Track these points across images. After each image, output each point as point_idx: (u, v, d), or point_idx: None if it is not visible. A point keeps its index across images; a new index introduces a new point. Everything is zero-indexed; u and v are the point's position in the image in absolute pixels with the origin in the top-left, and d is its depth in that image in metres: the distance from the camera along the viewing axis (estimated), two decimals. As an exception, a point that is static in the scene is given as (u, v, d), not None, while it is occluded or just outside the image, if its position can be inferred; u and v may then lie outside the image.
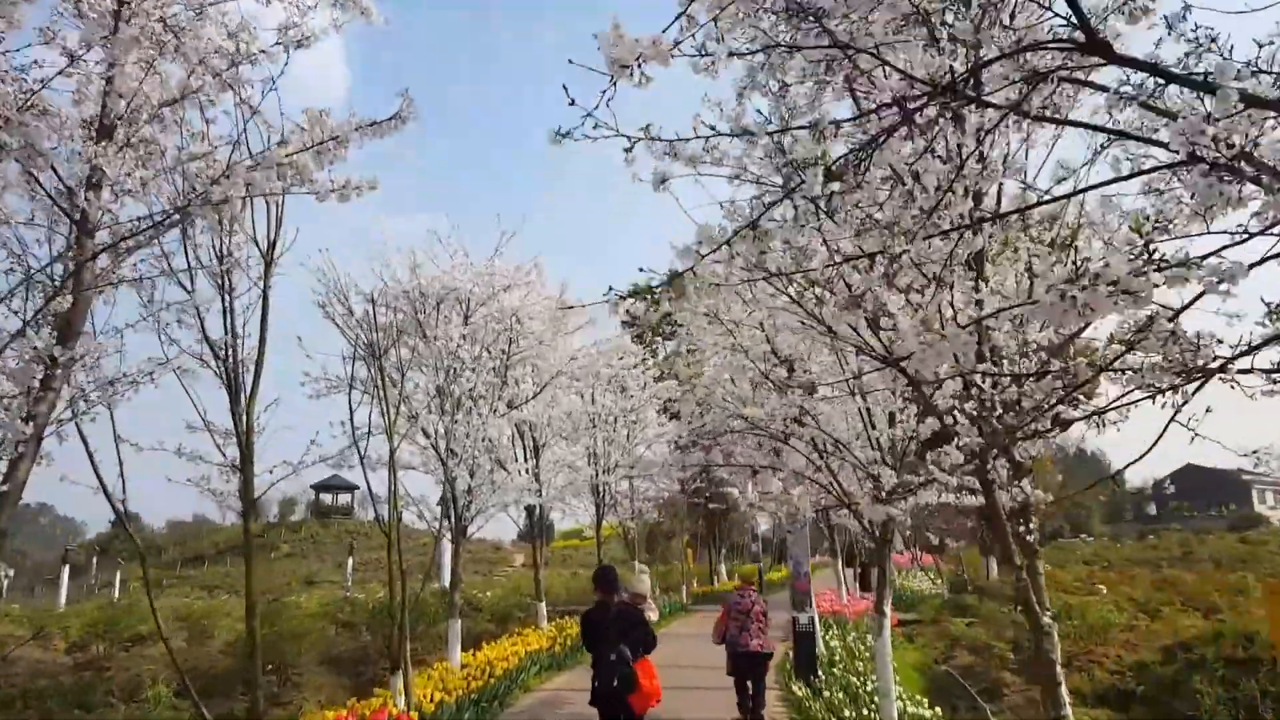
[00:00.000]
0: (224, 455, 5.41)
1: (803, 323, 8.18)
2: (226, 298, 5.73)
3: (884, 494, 8.06)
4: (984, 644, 12.55)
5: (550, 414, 13.91)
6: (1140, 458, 3.18)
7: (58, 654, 11.75)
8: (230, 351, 5.66)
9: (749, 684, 8.06)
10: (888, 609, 8.00)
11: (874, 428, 8.19)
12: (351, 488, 53.12)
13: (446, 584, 14.12)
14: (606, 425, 16.34)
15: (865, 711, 7.99)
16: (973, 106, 2.90)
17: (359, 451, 8.14)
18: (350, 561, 30.16)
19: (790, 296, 5.80)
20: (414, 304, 10.26)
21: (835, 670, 9.84)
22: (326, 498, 55.83)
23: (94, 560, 47.26)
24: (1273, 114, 2.01)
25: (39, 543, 70.25)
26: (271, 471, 5.65)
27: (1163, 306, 2.37)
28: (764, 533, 42.27)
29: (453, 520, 10.51)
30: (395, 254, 10.87)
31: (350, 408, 8.14)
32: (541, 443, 14.04)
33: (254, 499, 5.42)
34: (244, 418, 5.53)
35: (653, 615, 7.98)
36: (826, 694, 8.70)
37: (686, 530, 30.29)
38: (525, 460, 13.17)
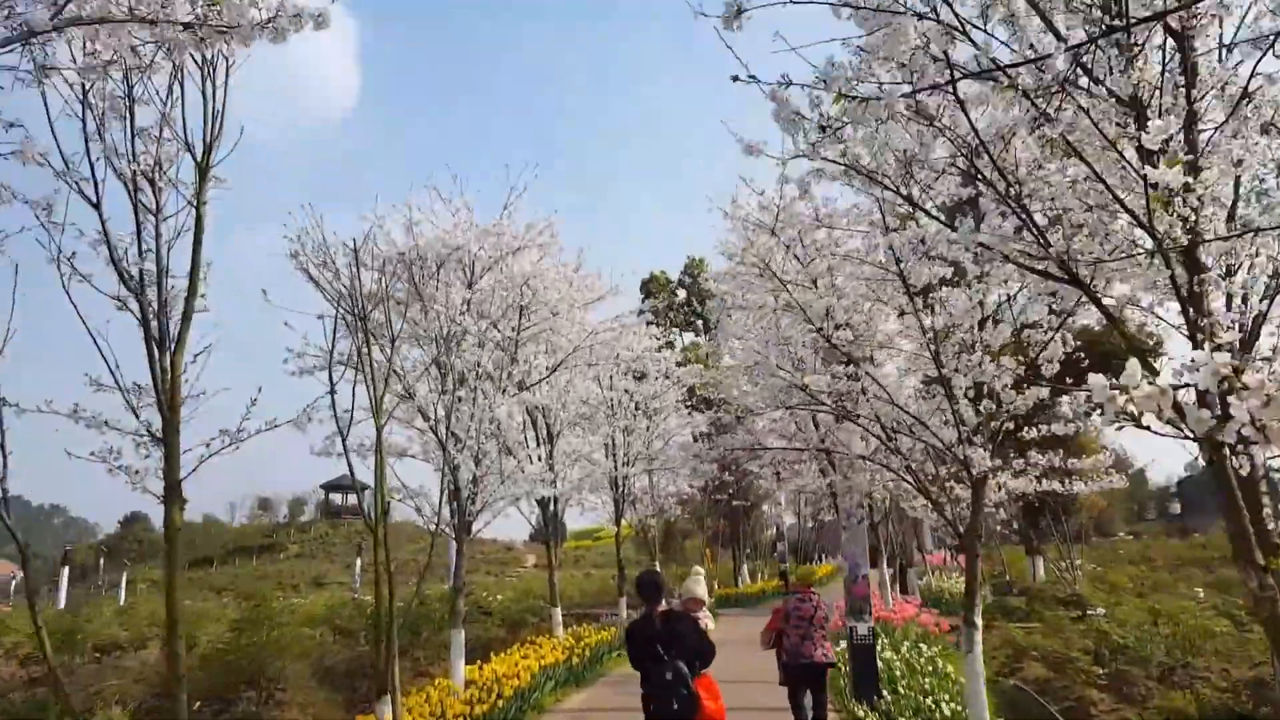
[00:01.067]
0: (139, 418, 4.08)
1: (882, 265, 6.82)
2: (153, 219, 4.42)
3: (973, 479, 6.67)
4: (1058, 654, 11.05)
5: (565, 398, 12.55)
6: None
7: (17, 666, 10.51)
8: (156, 287, 4.33)
9: (807, 696, 6.89)
10: (978, 619, 6.58)
11: (956, 401, 6.77)
12: (363, 487, 52.17)
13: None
14: (626, 413, 14.95)
15: (950, 743, 6.59)
16: None
17: (340, 432, 6.83)
18: (359, 562, 29.15)
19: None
20: (410, 266, 8.93)
21: (900, 689, 8.43)
22: (336, 498, 54.98)
23: (101, 561, 46.51)
24: None
25: (50, 543, 69.87)
26: (208, 445, 4.33)
27: None
28: (788, 530, 40.85)
29: (456, 515, 9.16)
30: (391, 211, 9.55)
31: (331, 380, 6.83)
32: (556, 430, 12.67)
33: (179, 479, 4.08)
34: (168, 374, 4.20)
35: (708, 623, 6.65)
36: (901, 720, 7.31)
37: (707, 529, 28.88)
38: (539, 446, 11.79)
